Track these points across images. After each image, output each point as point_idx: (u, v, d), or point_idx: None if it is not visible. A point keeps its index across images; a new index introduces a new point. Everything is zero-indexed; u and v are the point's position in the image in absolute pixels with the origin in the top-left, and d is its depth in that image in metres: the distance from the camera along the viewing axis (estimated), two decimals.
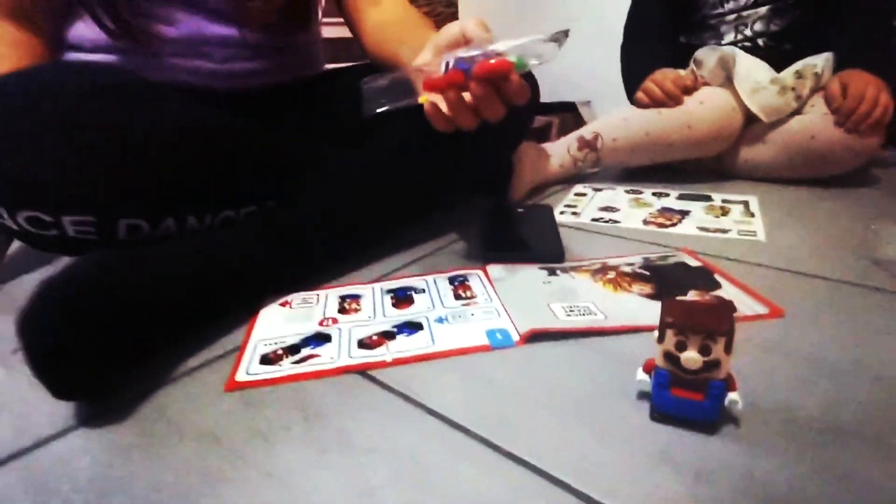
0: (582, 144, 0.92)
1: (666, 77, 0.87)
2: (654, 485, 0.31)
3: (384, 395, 0.40)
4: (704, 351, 0.32)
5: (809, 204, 0.79)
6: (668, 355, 0.34)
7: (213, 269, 0.49)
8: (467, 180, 0.75)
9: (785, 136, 0.84)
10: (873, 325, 0.47)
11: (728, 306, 0.39)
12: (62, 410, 0.40)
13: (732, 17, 0.94)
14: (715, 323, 0.32)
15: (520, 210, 0.77)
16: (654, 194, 0.85)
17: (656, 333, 0.34)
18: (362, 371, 0.43)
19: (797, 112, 0.85)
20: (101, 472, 0.34)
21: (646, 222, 0.73)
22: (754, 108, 0.83)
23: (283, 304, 0.55)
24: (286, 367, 0.44)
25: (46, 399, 0.38)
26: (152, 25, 0.59)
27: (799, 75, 0.84)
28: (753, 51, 0.91)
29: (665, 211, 0.76)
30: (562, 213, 0.79)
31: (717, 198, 0.81)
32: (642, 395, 0.38)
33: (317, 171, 0.62)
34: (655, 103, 0.88)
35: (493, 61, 0.45)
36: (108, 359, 0.40)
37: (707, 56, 0.90)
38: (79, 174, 0.45)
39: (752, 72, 0.84)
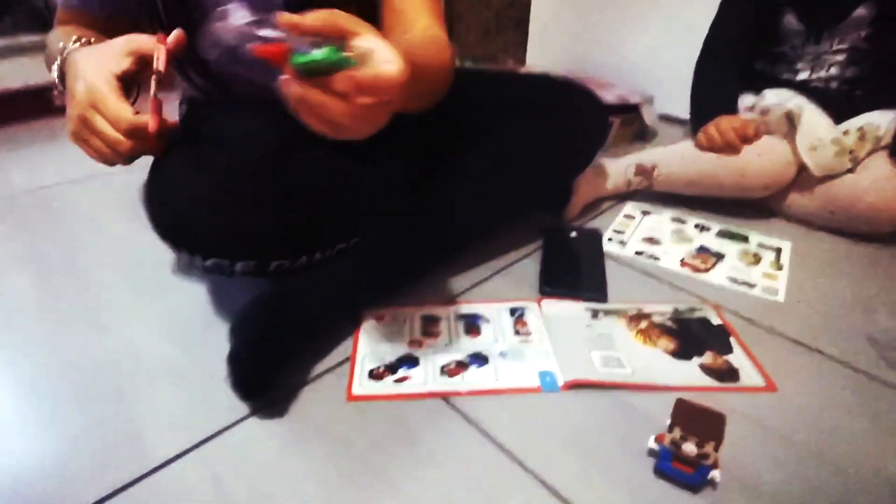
0: (639, 171, 1.00)
1: (730, 125, 0.92)
2: None
3: (461, 422, 0.56)
4: (699, 445, 0.46)
5: (846, 256, 0.87)
6: (672, 441, 0.47)
7: (345, 293, 0.66)
8: (534, 199, 0.87)
9: (833, 193, 0.89)
10: (859, 415, 0.58)
11: (720, 419, 0.48)
12: (222, 412, 0.57)
13: (811, 56, 0.96)
14: (709, 432, 0.45)
15: (573, 234, 0.88)
16: (696, 226, 0.94)
17: (668, 422, 0.48)
18: (444, 397, 0.58)
19: (850, 170, 0.90)
20: (263, 462, 0.51)
21: (683, 263, 0.83)
22: (810, 165, 0.89)
23: (378, 319, 0.69)
24: (388, 384, 0.60)
25: (216, 399, 0.55)
26: (234, 82, 0.69)
27: (861, 135, 0.89)
28: (824, 92, 0.95)
29: (702, 251, 0.86)
30: (609, 239, 0.89)
31: (754, 240, 0.90)
32: (651, 454, 0.52)
33: (428, 192, 0.74)
34: (714, 150, 0.94)
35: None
36: (277, 367, 0.57)
37: (774, 107, 0.94)
38: (279, 224, 0.59)
39: (814, 129, 0.89)
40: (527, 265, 0.82)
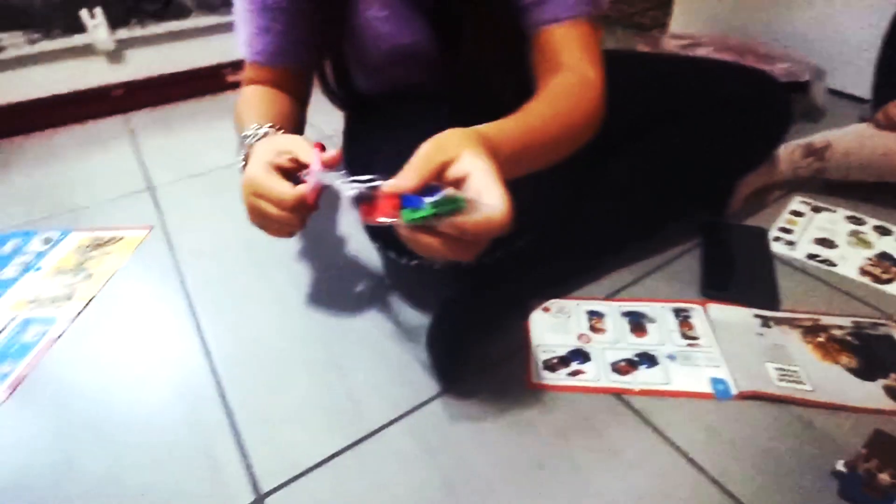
0: (808, 152, 0.93)
1: None
2: None
3: (637, 420, 0.60)
4: (894, 476, 0.47)
5: None
6: (867, 469, 0.48)
7: (520, 287, 0.72)
8: (699, 199, 0.85)
9: None
10: None
11: None
12: (421, 388, 0.65)
13: None
14: None
15: (734, 232, 0.86)
16: (876, 228, 0.87)
17: (862, 450, 0.49)
18: (617, 394, 0.63)
19: None
20: (460, 434, 0.59)
21: (862, 271, 0.79)
22: None
23: (545, 310, 0.74)
24: (563, 377, 0.65)
25: (414, 377, 0.64)
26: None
27: None
28: None
29: (884, 259, 0.80)
30: (776, 238, 0.86)
31: None
32: (836, 476, 0.53)
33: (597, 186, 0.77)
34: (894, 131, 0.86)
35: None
36: (468, 354, 0.65)
37: None
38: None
39: None
40: (685, 262, 0.83)
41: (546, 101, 0.60)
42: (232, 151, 1.24)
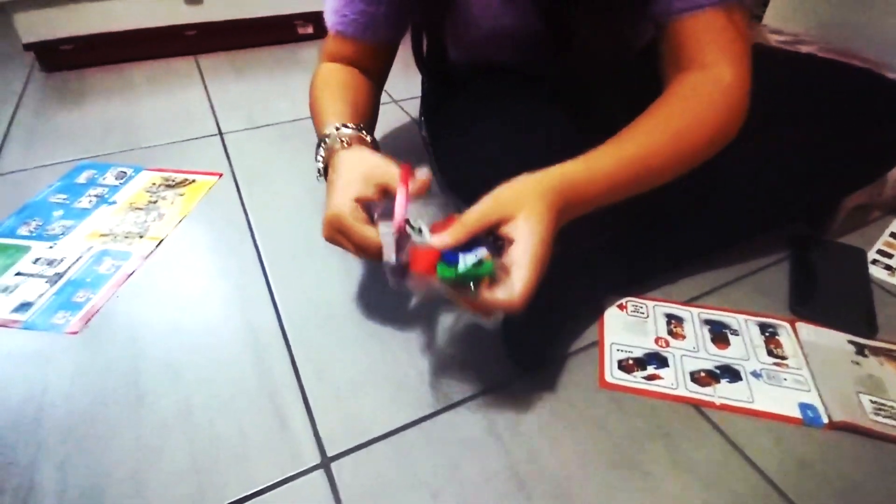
0: None
1: None
2: None
3: (717, 436, 0.57)
4: None
5: None
6: None
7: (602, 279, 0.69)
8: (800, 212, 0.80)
9: None
10: None
11: None
12: (493, 374, 0.63)
13: None
14: None
15: (829, 249, 0.80)
16: None
17: None
18: (696, 405, 0.60)
19: None
20: (529, 421, 0.57)
21: None
22: None
23: (620, 307, 0.71)
24: (638, 379, 0.62)
25: (485, 362, 0.62)
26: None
27: None
28: None
29: None
30: (874, 261, 0.80)
31: None
32: None
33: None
34: None
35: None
36: (546, 345, 0.63)
37: None
38: None
39: None
40: (772, 274, 0.78)
41: (662, 119, 0.55)
42: (299, 104, 1.22)
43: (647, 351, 0.65)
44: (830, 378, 0.62)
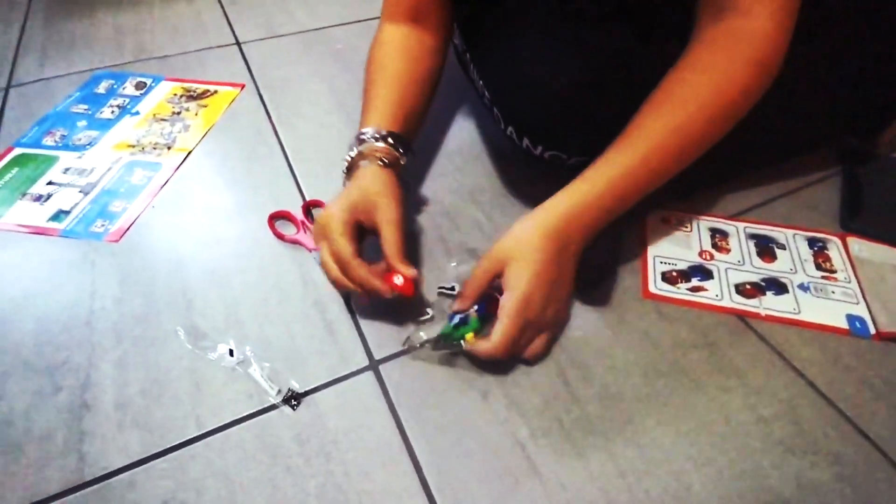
0: None
1: None
2: None
3: (761, 345, 0.57)
4: None
5: None
6: None
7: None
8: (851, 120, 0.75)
9: None
10: None
11: None
12: None
13: None
14: None
15: (883, 163, 0.77)
16: None
17: None
18: (741, 316, 0.59)
19: None
20: (570, 345, 0.57)
21: None
22: None
23: (664, 220, 0.70)
24: (682, 291, 0.61)
25: None
26: None
27: None
28: None
29: None
30: None
31: None
32: None
33: None
34: None
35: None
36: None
37: None
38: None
39: None
40: (822, 190, 0.75)
41: (676, 101, 0.53)
42: (320, 13, 1.16)
43: (691, 264, 0.64)
44: (880, 291, 0.61)
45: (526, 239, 0.51)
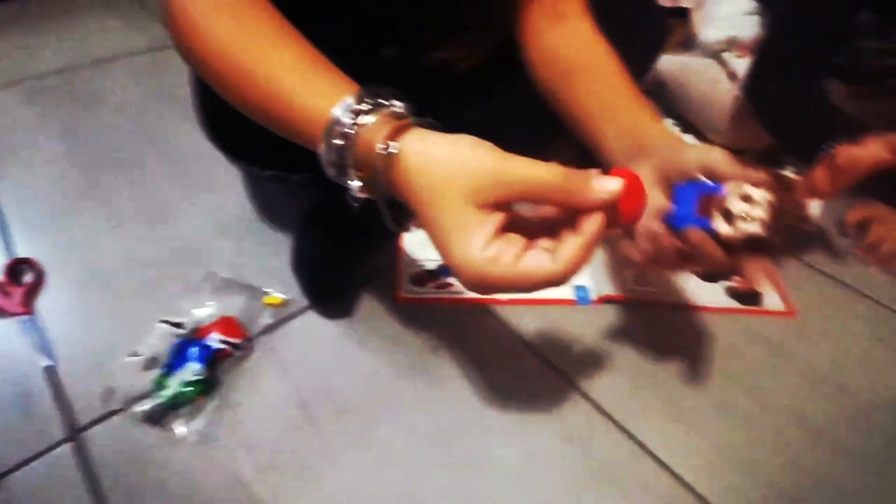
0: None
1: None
2: (670, 427, 0.52)
3: (503, 328, 0.60)
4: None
5: None
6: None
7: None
8: None
9: None
10: (874, 343, 0.61)
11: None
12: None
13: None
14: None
15: None
16: None
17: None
18: (486, 305, 0.62)
19: None
20: (323, 351, 0.55)
21: None
22: None
23: (417, 226, 0.71)
24: (431, 290, 0.63)
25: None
26: None
27: None
28: None
29: None
30: None
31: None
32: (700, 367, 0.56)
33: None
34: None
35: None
36: (344, 276, 0.61)
37: None
38: None
39: None
40: None
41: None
42: (57, 56, 1.04)
43: (440, 262, 0.66)
44: (601, 261, 0.68)
45: None
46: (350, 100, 0.33)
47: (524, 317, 0.61)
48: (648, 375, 0.56)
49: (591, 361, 0.57)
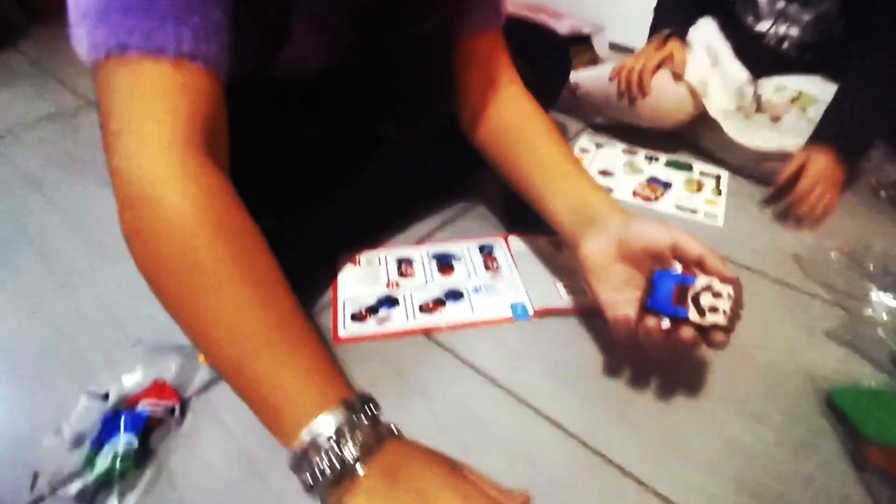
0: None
1: (635, 65, 0.95)
2: (616, 427, 0.53)
3: (444, 354, 0.60)
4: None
5: None
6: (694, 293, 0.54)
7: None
8: None
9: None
10: (789, 323, 0.66)
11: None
12: None
13: (779, 9, 0.93)
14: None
15: None
16: (646, 157, 0.99)
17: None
18: (426, 333, 0.62)
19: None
20: None
21: (635, 194, 0.89)
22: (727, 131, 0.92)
23: (353, 262, 0.71)
24: (371, 325, 0.63)
25: None
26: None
27: (795, 102, 0.92)
28: (771, 52, 0.95)
29: (652, 182, 0.92)
30: None
31: (697, 168, 0.96)
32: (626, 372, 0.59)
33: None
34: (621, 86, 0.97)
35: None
36: None
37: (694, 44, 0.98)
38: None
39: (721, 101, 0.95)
40: (493, 201, 0.85)
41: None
42: None
43: (379, 296, 0.66)
44: (535, 276, 0.70)
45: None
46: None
47: (464, 339, 0.62)
48: (586, 379, 0.58)
49: (536, 375, 0.58)
